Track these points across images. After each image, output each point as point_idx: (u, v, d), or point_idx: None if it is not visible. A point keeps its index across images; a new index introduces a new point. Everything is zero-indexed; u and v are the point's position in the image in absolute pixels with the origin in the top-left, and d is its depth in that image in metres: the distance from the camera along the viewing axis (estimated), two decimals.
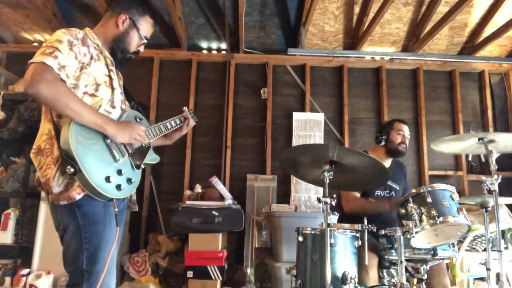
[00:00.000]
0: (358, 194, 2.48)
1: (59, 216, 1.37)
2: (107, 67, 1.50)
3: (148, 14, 1.61)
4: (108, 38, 1.55)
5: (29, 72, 1.26)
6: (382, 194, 2.52)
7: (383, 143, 2.56)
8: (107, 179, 1.34)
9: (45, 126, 1.41)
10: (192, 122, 1.87)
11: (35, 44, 4.12)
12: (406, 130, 2.58)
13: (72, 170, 1.26)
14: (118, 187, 1.38)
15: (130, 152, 1.49)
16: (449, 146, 2.00)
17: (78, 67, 1.38)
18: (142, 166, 1.55)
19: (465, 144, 1.94)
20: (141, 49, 1.64)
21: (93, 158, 1.33)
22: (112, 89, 1.50)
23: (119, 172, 1.40)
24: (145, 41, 1.62)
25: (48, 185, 1.33)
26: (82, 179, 1.29)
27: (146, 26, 1.62)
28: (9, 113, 3.55)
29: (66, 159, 1.28)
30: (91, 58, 1.43)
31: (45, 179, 1.34)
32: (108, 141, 1.40)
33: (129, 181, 1.44)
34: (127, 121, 1.51)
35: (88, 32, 1.49)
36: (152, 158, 1.64)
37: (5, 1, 3.55)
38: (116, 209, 1.42)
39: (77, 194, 1.32)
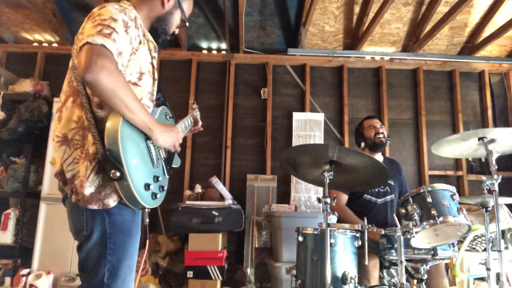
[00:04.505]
0: (346, 196, 2.53)
1: (82, 221, 1.20)
2: (150, 52, 1.34)
3: None
4: (151, 18, 1.39)
5: (87, 55, 1.09)
6: (377, 190, 2.53)
7: (363, 144, 2.65)
8: (147, 186, 1.20)
9: (73, 112, 1.20)
10: (199, 127, 1.76)
11: (35, 44, 4.13)
12: (375, 122, 2.66)
13: (117, 174, 1.10)
14: (154, 195, 1.24)
15: (164, 155, 1.35)
16: (449, 148, 1.99)
17: (130, 53, 1.22)
18: (171, 171, 1.42)
19: (466, 146, 1.93)
20: (177, 31, 1.51)
21: (136, 162, 1.17)
22: (154, 79, 1.35)
23: (156, 179, 1.26)
24: (186, 23, 1.50)
25: (75, 183, 1.16)
26: (124, 185, 1.13)
27: (188, 7, 1.51)
28: (9, 113, 3.55)
29: (111, 161, 1.10)
30: (140, 42, 1.26)
31: (72, 174, 1.17)
32: (150, 142, 1.26)
33: (161, 188, 1.30)
34: (170, 125, 1.38)
35: (133, 9, 1.29)
36: (177, 162, 1.51)
37: (5, 1, 3.54)
38: (147, 220, 1.31)
39: (113, 201, 1.18)
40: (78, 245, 1.24)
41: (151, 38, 1.36)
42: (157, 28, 1.40)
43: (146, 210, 1.31)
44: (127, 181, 1.12)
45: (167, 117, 1.49)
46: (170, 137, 1.32)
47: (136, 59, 1.25)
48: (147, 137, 1.26)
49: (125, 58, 1.20)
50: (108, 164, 1.11)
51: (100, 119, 1.18)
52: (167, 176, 1.39)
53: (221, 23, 3.87)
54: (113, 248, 1.21)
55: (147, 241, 1.33)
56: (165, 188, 1.34)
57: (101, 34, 1.12)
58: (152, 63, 1.34)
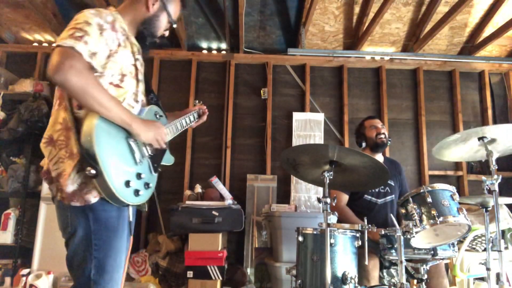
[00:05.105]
0: (346, 197, 2.53)
1: (67, 218, 1.24)
2: (133, 55, 1.38)
3: None
4: (137, 21, 1.42)
5: (56, 57, 1.13)
6: (377, 190, 2.53)
7: (364, 144, 2.65)
8: (127, 183, 1.22)
9: (59, 114, 1.26)
10: (204, 118, 1.82)
11: (35, 44, 4.13)
12: (377, 122, 2.67)
13: (93, 172, 1.13)
14: (136, 192, 1.26)
15: (149, 153, 1.38)
16: (450, 152, 1.98)
17: (106, 55, 1.25)
18: (159, 169, 1.43)
19: (466, 148, 1.92)
20: (166, 33, 1.54)
21: (114, 160, 1.20)
22: (137, 80, 1.39)
23: (139, 176, 1.28)
24: (174, 25, 1.51)
25: (59, 181, 1.21)
26: (101, 182, 1.17)
27: (175, 9, 1.51)
28: (9, 113, 3.56)
29: (87, 159, 1.14)
30: (119, 44, 1.30)
31: (57, 173, 1.22)
32: (131, 140, 1.29)
33: (146, 185, 1.32)
34: (151, 120, 1.41)
35: (115, 14, 1.35)
36: (168, 159, 1.54)
37: (5, 1, 3.55)
38: (131, 217, 1.32)
39: (94, 197, 1.21)
40: (65, 243, 1.27)
41: (134, 41, 1.40)
42: (143, 31, 1.44)
43: (131, 207, 1.33)
44: (103, 178, 1.15)
45: (157, 116, 1.51)
46: (151, 131, 1.33)
47: (116, 61, 1.28)
48: (128, 135, 1.28)
49: (101, 59, 1.24)
50: (84, 161, 1.16)
51: (80, 119, 1.22)
52: (154, 174, 1.40)
53: (221, 23, 3.87)
54: (99, 244, 1.23)
55: (131, 237, 1.33)
56: (151, 185, 1.36)
57: (72, 37, 1.16)
58: (135, 65, 1.38)
